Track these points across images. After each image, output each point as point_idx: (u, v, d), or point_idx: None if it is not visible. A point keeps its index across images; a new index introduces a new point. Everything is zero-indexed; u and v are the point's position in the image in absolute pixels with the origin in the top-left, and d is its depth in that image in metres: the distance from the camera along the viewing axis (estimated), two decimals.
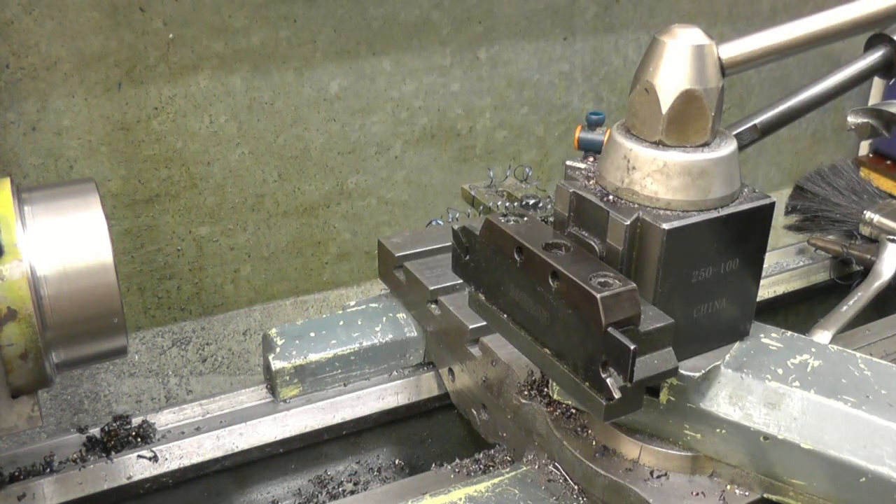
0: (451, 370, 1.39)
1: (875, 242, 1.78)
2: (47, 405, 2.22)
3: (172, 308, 2.36)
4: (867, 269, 1.77)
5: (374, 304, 1.50)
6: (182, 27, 2.05)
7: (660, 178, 0.98)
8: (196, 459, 1.30)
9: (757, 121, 1.18)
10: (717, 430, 1.03)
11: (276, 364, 1.36)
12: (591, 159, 1.12)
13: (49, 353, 0.96)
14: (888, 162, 3.18)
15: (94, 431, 1.28)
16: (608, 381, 0.89)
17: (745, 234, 1.02)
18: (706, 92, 0.97)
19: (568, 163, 1.23)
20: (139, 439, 1.28)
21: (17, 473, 1.21)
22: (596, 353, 0.90)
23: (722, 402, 1.03)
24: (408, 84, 2.46)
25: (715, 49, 0.98)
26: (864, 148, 3.37)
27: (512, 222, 1.03)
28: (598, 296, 0.88)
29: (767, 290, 1.79)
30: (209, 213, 2.30)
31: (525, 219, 1.04)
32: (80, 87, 1.98)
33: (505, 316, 1.06)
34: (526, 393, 1.20)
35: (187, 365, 2.45)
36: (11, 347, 0.91)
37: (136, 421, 1.30)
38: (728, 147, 1.01)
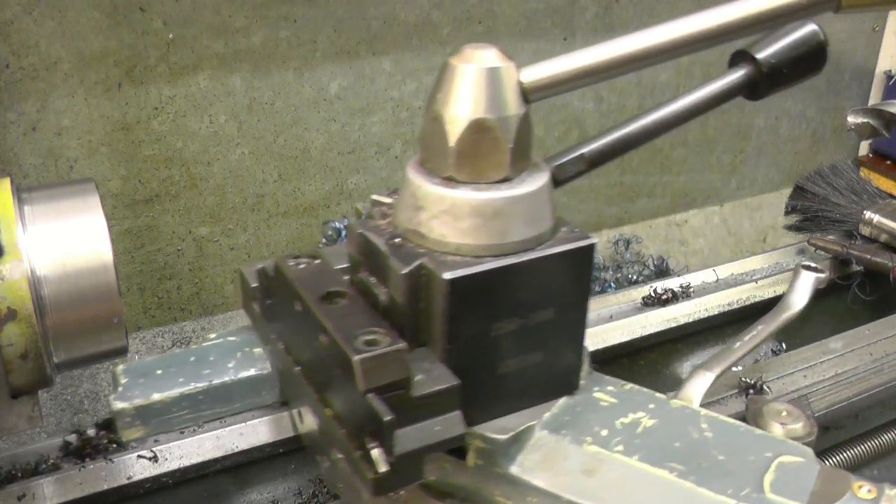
0: (299, 412, 1.18)
1: (875, 242, 1.78)
2: (47, 405, 2.21)
3: (172, 308, 2.36)
4: (867, 269, 1.77)
5: (231, 338, 1.26)
6: (182, 27, 2.05)
7: (447, 219, 0.84)
8: (196, 459, 1.30)
9: (585, 150, 1.04)
10: (528, 499, 0.90)
11: (116, 405, 1.12)
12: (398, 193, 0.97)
13: (49, 353, 0.96)
14: (888, 162, 3.17)
15: (89, 432, 1.28)
16: (373, 451, 0.77)
17: (557, 280, 0.88)
18: (501, 121, 0.84)
19: (373, 196, 1.01)
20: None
21: (17, 473, 1.21)
22: (365, 420, 0.77)
23: (532, 467, 0.90)
24: (408, 84, 2.45)
25: (515, 72, 0.86)
26: (864, 148, 3.36)
27: (303, 265, 0.91)
28: (355, 357, 0.75)
29: (767, 289, 1.79)
30: (209, 213, 2.29)
31: (317, 261, 0.93)
32: (80, 87, 1.98)
33: (297, 369, 0.93)
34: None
35: None
36: (11, 347, 0.91)
37: None
38: (534, 182, 0.87)
